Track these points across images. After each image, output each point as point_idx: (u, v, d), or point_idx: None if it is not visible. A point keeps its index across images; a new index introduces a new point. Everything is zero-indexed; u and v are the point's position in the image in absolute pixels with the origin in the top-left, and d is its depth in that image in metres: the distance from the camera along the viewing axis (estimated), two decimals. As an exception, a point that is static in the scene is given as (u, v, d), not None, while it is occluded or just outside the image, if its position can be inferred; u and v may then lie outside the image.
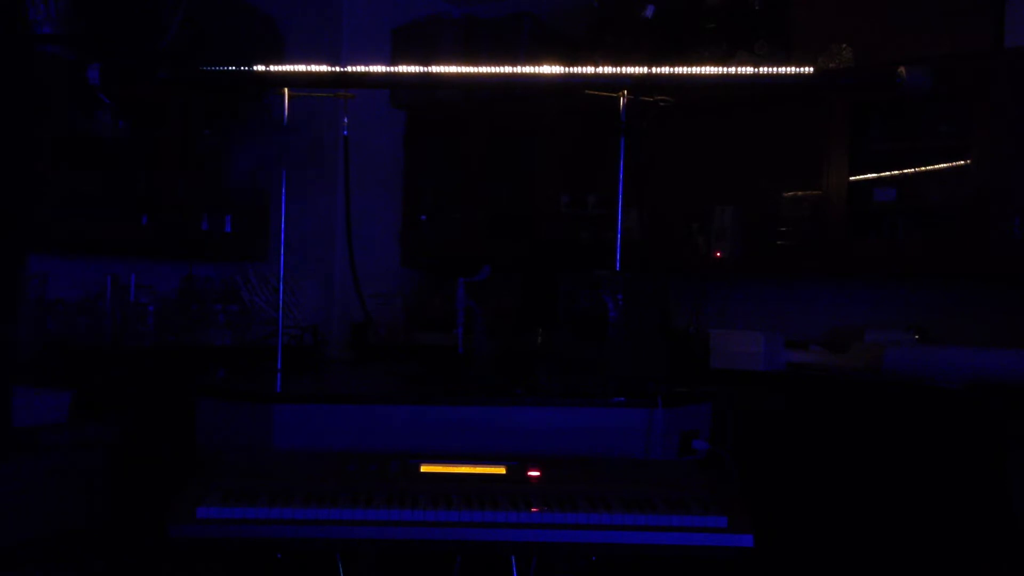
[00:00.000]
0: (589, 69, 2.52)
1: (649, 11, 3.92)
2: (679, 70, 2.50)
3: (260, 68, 2.50)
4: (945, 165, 3.42)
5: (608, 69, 2.50)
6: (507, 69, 2.57)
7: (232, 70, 2.54)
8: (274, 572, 2.37)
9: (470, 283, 2.60)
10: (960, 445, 2.95)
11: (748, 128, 3.77)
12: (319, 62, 2.52)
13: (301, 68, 2.51)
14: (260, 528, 1.86)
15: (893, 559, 3.04)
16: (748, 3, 3.83)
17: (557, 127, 4.19)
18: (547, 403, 2.25)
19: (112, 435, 2.95)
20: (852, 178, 3.52)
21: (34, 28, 3.15)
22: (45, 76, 3.24)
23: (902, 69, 2.41)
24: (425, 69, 2.54)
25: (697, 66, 2.55)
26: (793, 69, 2.52)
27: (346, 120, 2.79)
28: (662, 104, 2.65)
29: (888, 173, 3.53)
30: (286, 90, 2.54)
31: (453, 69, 2.57)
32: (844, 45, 3.57)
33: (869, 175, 3.55)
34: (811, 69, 2.57)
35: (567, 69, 2.52)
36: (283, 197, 2.63)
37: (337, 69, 2.53)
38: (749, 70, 2.51)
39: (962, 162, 3.35)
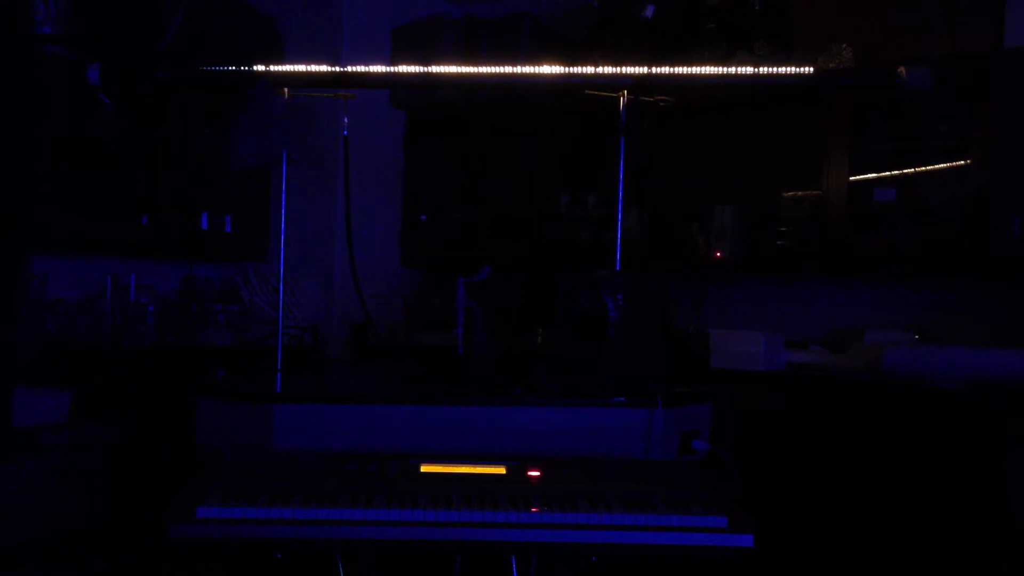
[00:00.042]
0: (589, 69, 2.52)
1: (649, 11, 3.92)
2: (679, 70, 2.50)
3: (260, 68, 2.50)
4: (945, 165, 3.42)
5: (608, 69, 2.50)
6: (507, 69, 2.57)
7: (232, 70, 2.54)
8: (274, 572, 2.37)
9: (470, 283, 2.60)
10: (960, 445, 2.95)
11: (748, 128, 3.77)
12: (319, 62, 2.52)
13: (301, 68, 2.51)
14: (260, 528, 1.86)
15: (893, 559, 3.04)
16: (748, 3, 3.83)
17: (557, 127, 4.20)
18: (547, 403, 2.25)
19: (112, 435, 2.95)
20: (852, 178, 3.52)
21: (35, 28, 3.15)
22: (45, 76, 3.24)
23: (902, 69, 2.41)
24: (425, 69, 2.54)
25: (697, 66, 2.55)
26: (793, 69, 2.52)
27: (346, 120, 2.79)
28: (662, 104, 2.65)
29: (888, 173, 3.53)
30: (286, 90, 2.54)
31: (453, 69, 2.57)
32: (844, 45, 3.57)
33: (869, 175, 3.55)
34: (811, 69, 2.57)
35: (567, 69, 2.52)
36: (283, 197, 2.63)
37: (337, 69, 2.53)
38: (749, 70, 2.51)
39: (962, 162, 3.35)
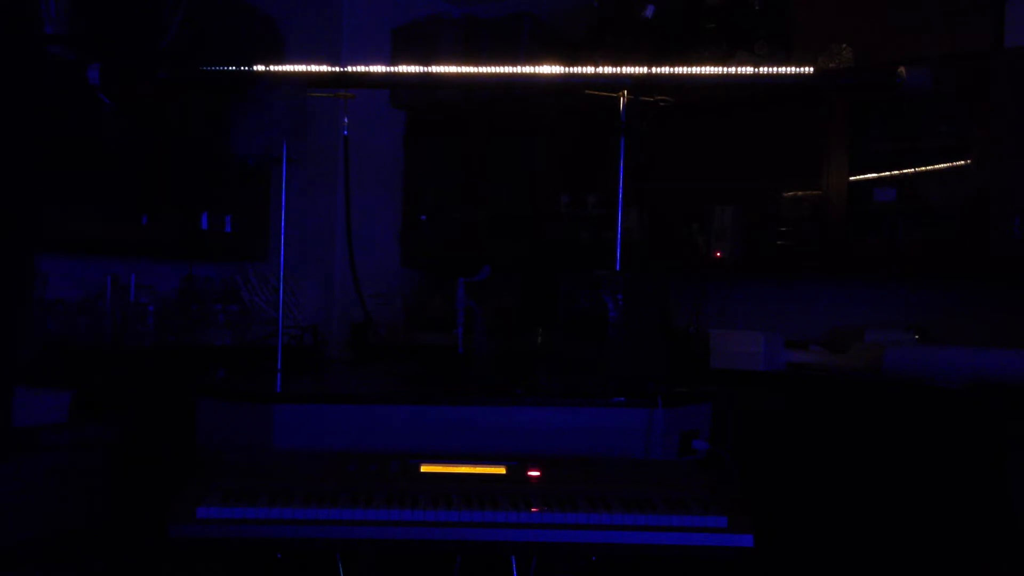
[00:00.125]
0: (589, 69, 2.52)
1: (649, 11, 3.92)
2: (679, 70, 2.50)
3: (260, 68, 2.50)
4: (945, 165, 3.42)
5: (608, 69, 2.50)
6: (507, 69, 2.57)
7: (232, 70, 2.54)
8: (274, 572, 2.37)
9: (470, 283, 2.60)
10: (960, 445, 2.95)
11: (748, 128, 3.77)
12: (319, 62, 2.52)
13: (301, 68, 2.51)
14: (260, 528, 1.86)
15: (893, 559, 3.04)
16: (748, 3, 3.83)
17: (557, 127, 4.20)
18: (547, 403, 2.25)
19: (112, 435, 2.95)
20: (852, 178, 3.52)
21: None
22: (45, 76, 3.24)
23: (902, 69, 2.41)
24: (425, 69, 2.54)
25: (697, 66, 2.55)
26: (793, 69, 2.52)
27: (346, 120, 2.79)
28: (662, 104, 2.65)
29: (888, 173, 3.53)
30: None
31: (453, 69, 2.57)
32: (844, 45, 3.57)
33: (869, 175, 3.55)
34: (811, 69, 2.57)
35: (567, 69, 2.52)
36: (283, 197, 2.63)
37: (337, 69, 2.53)
38: (749, 70, 2.51)
39: (962, 162, 3.35)
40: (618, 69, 2.49)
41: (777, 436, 3.29)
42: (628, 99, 2.54)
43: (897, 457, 3.06)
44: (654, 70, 2.50)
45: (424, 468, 2.06)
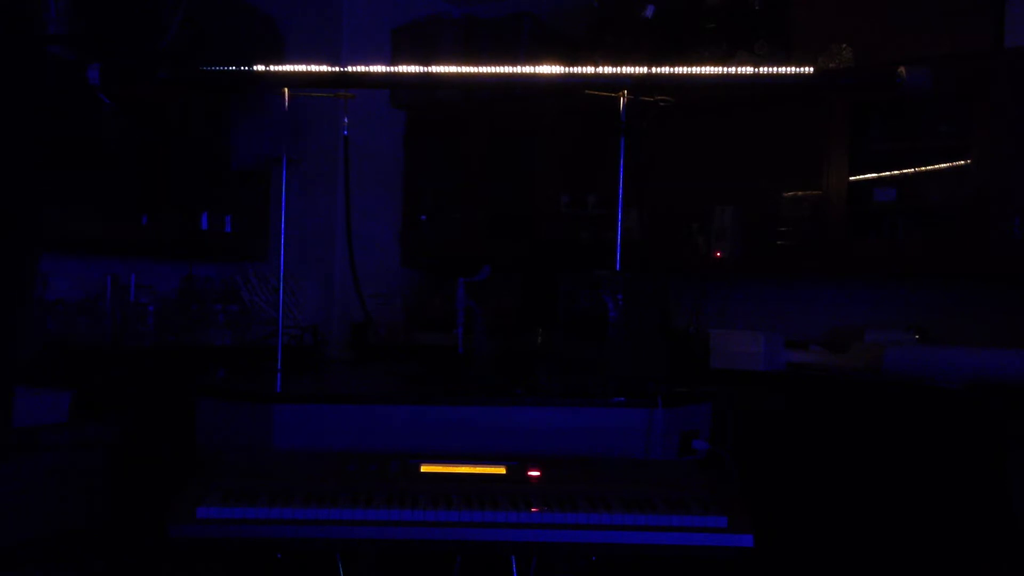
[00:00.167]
0: (589, 69, 2.52)
1: (649, 11, 3.92)
2: (679, 70, 2.50)
3: (260, 68, 2.50)
4: (945, 165, 3.42)
5: (608, 69, 2.50)
6: (507, 69, 2.57)
7: (232, 70, 2.54)
8: (274, 572, 2.37)
9: (470, 283, 2.60)
10: (960, 445, 2.95)
11: (748, 128, 3.77)
12: (319, 62, 2.52)
13: (301, 68, 2.51)
14: (260, 528, 1.86)
15: (893, 559, 3.04)
16: (748, 3, 3.83)
17: (557, 127, 4.20)
18: (547, 403, 2.25)
19: (112, 435, 2.95)
20: (852, 178, 3.52)
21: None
22: (45, 76, 3.24)
23: (902, 69, 2.41)
24: (425, 69, 2.54)
25: (697, 66, 2.55)
26: (793, 69, 2.52)
27: (346, 120, 2.79)
28: (662, 104, 2.65)
29: (888, 173, 3.53)
30: (286, 90, 2.54)
31: (453, 69, 2.57)
32: (844, 45, 3.57)
33: (869, 175, 3.55)
34: (811, 69, 2.57)
35: (567, 69, 2.52)
36: (283, 197, 2.63)
37: (337, 69, 2.53)
38: (749, 70, 2.51)
39: (962, 162, 3.35)
40: (618, 69, 2.49)
41: (777, 436, 3.29)
42: (628, 99, 2.53)
43: (897, 457, 3.06)
44: (654, 70, 2.50)
45: (424, 468, 2.06)
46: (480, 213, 4.36)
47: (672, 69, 2.50)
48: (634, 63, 2.51)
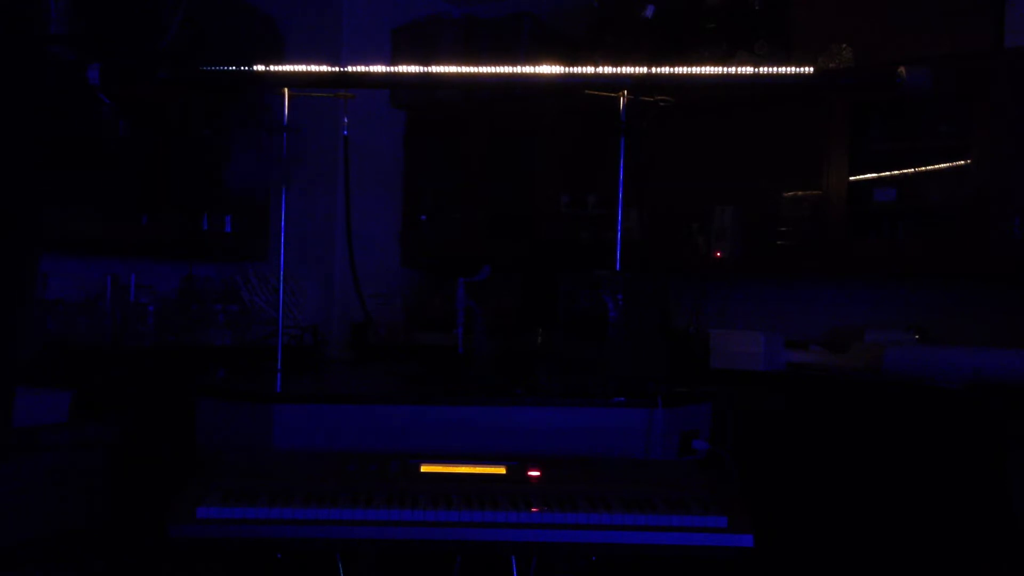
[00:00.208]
0: (589, 69, 2.52)
1: (649, 11, 3.92)
2: (679, 70, 2.50)
3: (260, 68, 2.50)
4: (945, 165, 3.42)
5: (608, 69, 2.50)
6: (507, 69, 2.57)
7: (232, 70, 2.54)
8: (274, 572, 2.37)
9: (470, 283, 2.60)
10: (960, 445, 2.95)
11: (748, 128, 3.77)
12: (319, 62, 2.52)
13: (301, 68, 2.51)
14: (260, 528, 1.86)
15: (893, 559, 3.04)
16: (748, 3, 3.83)
17: (557, 127, 4.20)
18: (547, 403, 2.25)
19: (112, 435, 2.95)
20: (852, 178, 3.52)
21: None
22: (45, 76, 3.24)
23: (902, 69, 2.41)
24: (425, 69, 2.54)
25: (697, 66, 2.55)
26: (793, 69, 2.52)
27: (346, 120, 2.79)
28: (662, 104, 2.65)
29: (888, 173, 3.53)
30: (286, 90, 2.54)
31: (453, 69, 2.57)
32: (844, 45, 3.57)
33: (869, 175, 3.55)
34: (811, 69, 2.57)
35: (567, 69, 2.52)
36: (283, 197, 2.62)
37: (337, 69, 2.53)
38: (749, 70, 2.51)
39: (962, 162, 3.35)
40: (618, 69, 2.49)
41: (777, 436, 3.29)
42: (628, 99, 2.53)
43: (897, 457, 3.06)
44: (654, 70, 2.50)
45: (424, 468, 2.06)
46: (480, 213, 4.36)
47: (672, 69, 2.50)
48: (634, 63, 2.51)
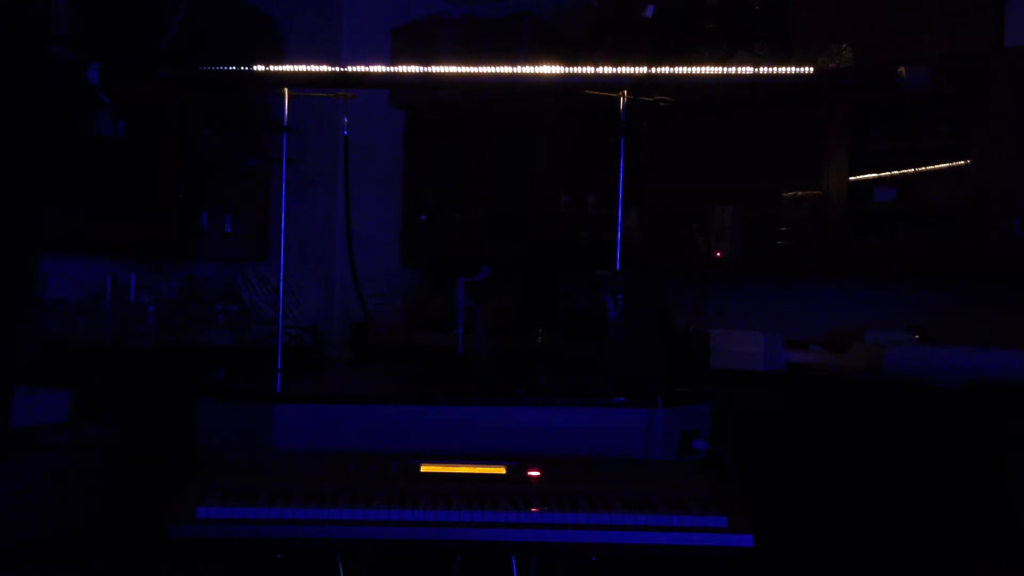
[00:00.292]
0: (589, 69, 2.52)
1: (649, 11, 3.92)
2: (679, 70, 2.50)
3: (260, 68, 2.50)
4: (945, 165, 3.42)
5: (608, 69, 2.50)
6: (507, 69, 2.57)
7: (232, 70, 2.54)
8: (274, 572, 2.37)
9: (470, 283, 2.60)
10: (960, 445, 2.95)
11: (748, 128, 3.77)
12: (319, 62, 2.52)
13: (301, 68, 2.51)
14: (260, 528, 1.86)
15: (893, 559, 3.04)
16: (748, 3, 3.83)
17: (557, 127, 4.20)
18: (547, 403, 2.25)
19: (112, 435, 2.95)
20: (852, 178, 3.52)
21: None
22: (45, 76, 3.24)
23: (902, 69, 2.41)
24: (425, 69, 2.54)
25: (697, 66, 2.55)
26: (793, 69, 2.52)
27: (346, 120, 2.79)
28: (662, 104, 2.65)
29: (888, 173, 3.53)
30: (286, 90, 2.54)
31: (453, 69, 2.57)
32: (844, 45, 3.57)
33: (869, 175, 3.55)
34: (811, 69, 2.57)
35: (567, 69, 2.52)
36: (283, 197, 2.63)
37: (337, 69, 2.53)
38: (749, 70, 2.51)
39: (962, 162, 3.35)
40: (618, 69, 2.49)
41: (777, 436, 3.29)
42: (628, 99, 2.53)
43: (897, 457, 3.06)
44: (654, 70, 2.50)
45: (424, 468, 2.06)
46: (480, 213, 4.36)
47: (672, 69, 2.50)
48: (634, 63, 2.51)
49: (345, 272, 3.83)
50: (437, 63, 2.56)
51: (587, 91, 2.59)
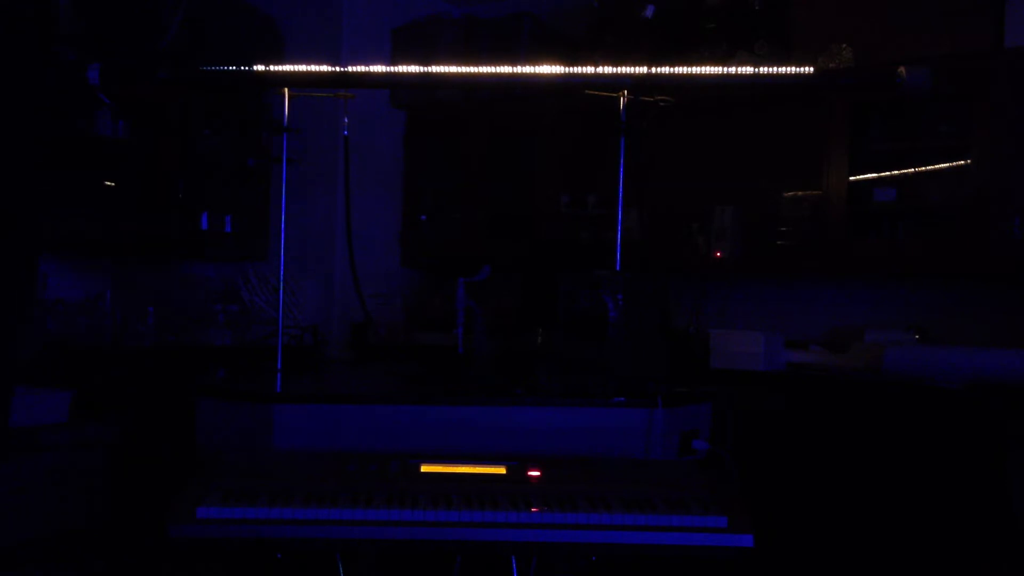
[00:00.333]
0: (589, 69, 2.52)
1: (649, 11, 3.92)
2: (679, 70, 2.50)
3: (260, 68, 2.50)
4: (945, 165, 3.42)
5: (608, 69, 2.50)
6: (507, 69, 2.57)
7: (232, 70, 2.54)
8: (274, 572, 2.37)
9: (470, 283, 2.60)
10: (960, 445, 2.95)
11: (748, 128, 3.77)
12: (319, 62, 2.52)
13: (301, 68, 2.51)
14: (260, 528, 1.86)
15: (893, 559, 3.04)
16: (748, 3, 3.83)
17: (557, 127, 4.19)
18: (547, 403, 2.25)
19: (112, 435, 2.95)
20: (852, 178, 3.52)
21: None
22: (45, 76, 3.24)
23: (902, 69, 2.41)
24: (425, 69, 2.54)
25: (697, 66, 2.55)
26: (793, 69, 2.52)
27: (346, 120, 2.79)
28: (662, 104, 2.65)
29: (888, 173, 3.53)
30: (286, 90, 2.54)
31: (453, 69, 2.57)
32: (844, 45, 3.57)
33: (869, 175, 3.55)
34: (811, 69, 2.57)
35: (567, 69, 2.52)
36: (283, 197, 2.63)
37: (337, 69, 2.53)
38: (749, 70, 2.51)
39: (962, 162, 3.35)
40: (618, 69, 2.49)
41: (777, 436, 3.29)
42: (628, 99, 2.53)
43: (897, 457, 3.06)
44: (654, 70, 2.50)
45: (424, 468, 2.06)
46: (480, 213, 4.36)
47: (672, 69, 2.50)
48: (634, 63, 2.51)
49: (345, 272, 3.83)
50: (437, 63, 2.56)
51: (587, 91, 2.59)
